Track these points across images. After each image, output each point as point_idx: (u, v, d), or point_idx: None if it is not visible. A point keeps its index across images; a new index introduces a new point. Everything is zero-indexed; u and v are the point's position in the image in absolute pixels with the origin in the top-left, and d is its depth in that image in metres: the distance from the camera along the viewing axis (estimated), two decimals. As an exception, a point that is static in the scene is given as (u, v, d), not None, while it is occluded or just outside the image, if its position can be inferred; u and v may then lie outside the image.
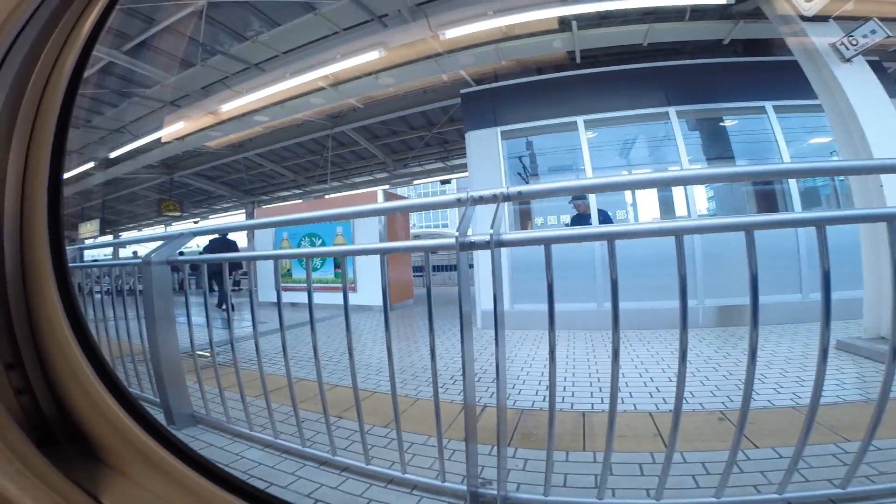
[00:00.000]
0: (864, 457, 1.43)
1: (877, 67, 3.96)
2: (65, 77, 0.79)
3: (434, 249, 1.84)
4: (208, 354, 2.55)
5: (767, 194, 5.86)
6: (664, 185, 5.55)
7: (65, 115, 0.80)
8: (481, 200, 1.69)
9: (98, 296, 3.18)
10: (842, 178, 5.43)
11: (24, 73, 0.76)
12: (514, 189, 1.68)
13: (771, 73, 5.69)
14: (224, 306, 5.90)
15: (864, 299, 3.64)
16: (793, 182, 5.48)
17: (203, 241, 7.57)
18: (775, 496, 1.51)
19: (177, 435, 0.87)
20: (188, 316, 2.55)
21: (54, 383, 0.80)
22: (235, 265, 8.66)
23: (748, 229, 1.40)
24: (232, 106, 7.37)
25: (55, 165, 0.80)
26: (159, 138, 8.77)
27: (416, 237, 14.74)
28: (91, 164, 10.50)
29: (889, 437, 1.84)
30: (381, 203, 8.17)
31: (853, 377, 2.98)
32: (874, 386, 1.89)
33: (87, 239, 15.10)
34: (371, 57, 5.85)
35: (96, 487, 0.72)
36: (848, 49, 3.63)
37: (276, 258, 2.32)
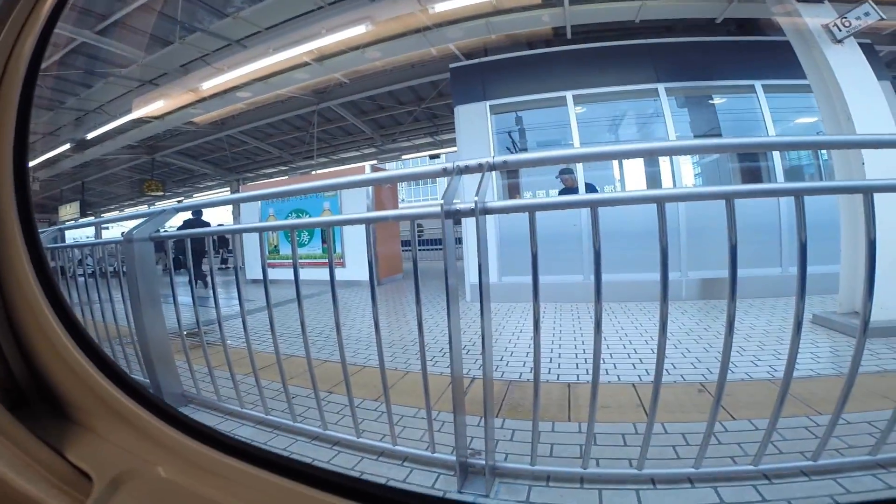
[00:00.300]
0: (835, 430, 1.48)
1: (868, 50, 3.97)
2: (24, 62, 0.78)
3: (419, 217, 1.84)
4: (194, 333, 2.54)
5: (752, 171, 5.92)
6: (649, 155, 5.52)
7: (25, 102, 0.80)
8: (467, 170, 1.69)
9: (80, 279, 3.12)
10: (826, 157, 5.50)
11: None
12: (500, 158, 1.68)
13: (762, 52, 5.70)
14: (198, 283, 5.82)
15: (840, 274, 3.73)
16: (777, 159, 5.55)
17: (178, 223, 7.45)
18: (751, 468, 1.56)
19: (148, 389, 0.89)
20: (174, 295, 2.53)
21: (25, 346, 0.82)
22: (222, 242, 8.48)
23: (728, 198, 1.41)
24: (213, 83, 7.19)
25: (19, 147, 0.80)
26: (138, 118, 8.57)
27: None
28: (67, 146, 10.21)
29: (858, 412, 1.92)
30: (366, 174, 8.07)
31: (827, 351, 3.06)
32: (847, 360, 1.96)
33: (67, 221, 14.81)
34: (358, 31, 5.71)
35: (62, 444, 0.74)
36: (840, 31, 3.63)
37: (260, 230, 2.28)
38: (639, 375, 2.75)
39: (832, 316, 3.62)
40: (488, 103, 6.25)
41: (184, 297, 2.62)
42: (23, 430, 0.70)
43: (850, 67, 3.64)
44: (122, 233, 2.54)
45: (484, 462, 1.64)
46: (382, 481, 1.72)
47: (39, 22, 0.77)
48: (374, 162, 13.36)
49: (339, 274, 1.99)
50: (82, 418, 0.82)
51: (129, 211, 17.49)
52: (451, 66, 6.69)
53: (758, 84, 5.64)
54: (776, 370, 2.68)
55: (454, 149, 8.25)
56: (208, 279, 2.43)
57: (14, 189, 0.79)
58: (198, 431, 0.79)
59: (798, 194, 1.40)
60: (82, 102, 8.32)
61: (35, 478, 0.66)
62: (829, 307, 3.80)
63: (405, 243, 10.42)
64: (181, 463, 0.74)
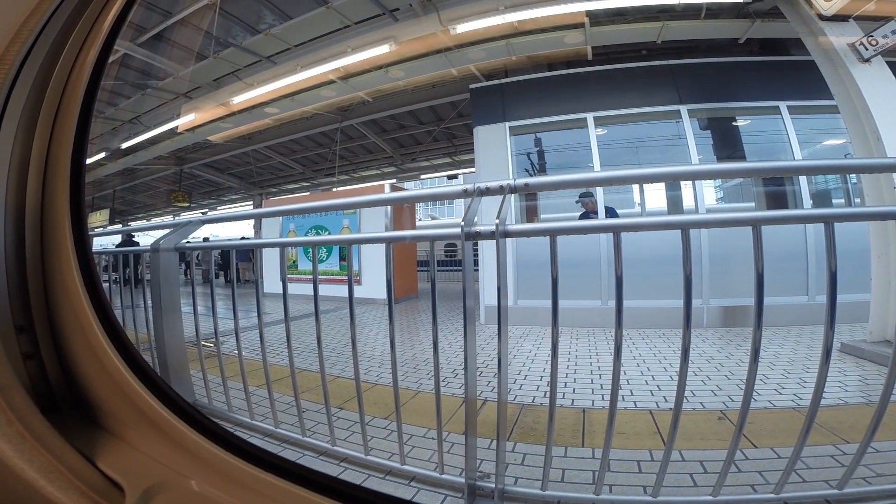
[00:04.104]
0: (863, 458, 1.42)
1: (897, 68, 3.92)
2: (87, 71, 0.81)
3: (439, 238, 1.83)
4: (212, 344, 2.57)
5: (778, 196, 5.79)
6: (673, 179, 5.46)
7: (87, 106, 0.83)
8: (488, 192, 1.68)
9: (105, 285, 3.19)
10: (855, 180, 5.36)
11: (48, 66, 0.79)
12: (521, 181, 1.66)
13: (786, 72, 5.62)
14: None
15: (871, 302, 3.61)
16: (804, 184, 5.42)
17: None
18: (772, 496, 1.50)
19: (185, 399, 0.86)
20: (194, 305, 2.57)
21: (63, 349, 0.81)
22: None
23: (755, 224, 1.37)
24: (243, 98, 7.43)
25: (77, 152, 0.82)
26: (171, 129, 8.86)
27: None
28: (102, 155, 10.62)
29: (888, 440, 1.84)
30: (386, 193, 8.15)
31: (856, 380, 2.96)
32: (876, 389, 1.88)
33: (95, 228, 15.28)
34: (381, 50, 5.86)
35: (93, 452, 0.72)
36: (867, 49, 3.58)
37: (282, 245, 2.32)
38: (656, 402, 2.68)
39: (861, 344, 3.49)
40: (508, 124, 6.29)
41: (200, 306, 2.67)
42: (56, 436, 0.68)
43: (879, 87, 3.58)
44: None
45: (493, 485, 1.61)
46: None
47: (102, 34, 0.81)
48: (394, 181, 13.51)
49: (356, 291, 2.00)
50: (114, 426, 0.81)
51: (155, 220, 17.99)
52: (472, 86, 6.77)
53: (783, 105, 5.54)
54: (801, 398, 2.60)
55: (472, 169, 8.32)
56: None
57: (69, 194, 0.81)
58: (234, 445, 0.77)
59: (827, 221, 1.35)
60: (119, 113, 8.63)
61: (66, 486, 0.64)
62: (858, 336, 3.68)
63: (421, 263, 10.47)
64: (215, 477, 0.72)
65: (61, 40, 0.79)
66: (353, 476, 1.87)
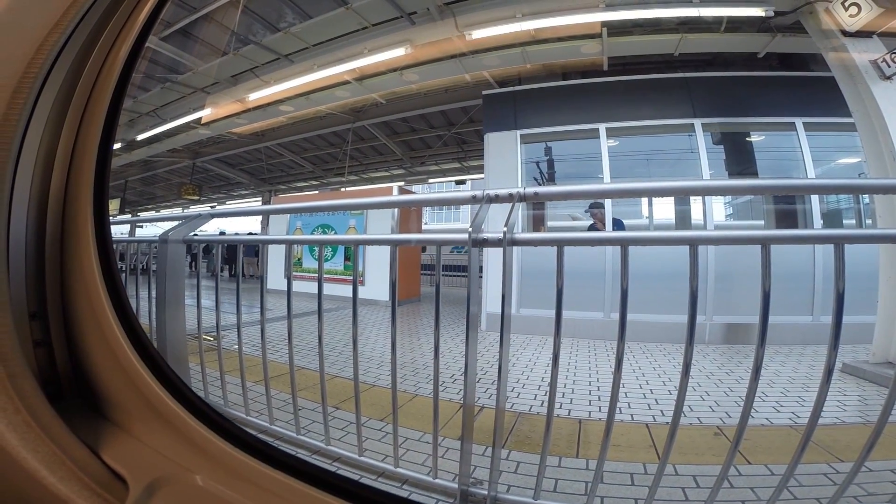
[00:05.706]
0: (856, 477, 1.40)
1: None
2: (118, 66, 0.82)
3: (446, 243, 1.83)
4: (212, 338, 2.59)
5: (788, 214, 5.73)
6: (683, 194, 5.43)
7: (116, 101, 0.84)
8: (497, 199, 1.67)
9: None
10: (867, 201, 5.29)
11: (81, 59, 0.80)
12: (531, 190, 1.65)
13: (804, 88, 5.55)
14: None
15: (876, 324, 3.57)
16: (815, 202, 5.36)
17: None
18: (761, 512, 1.49)
19: (194, 392, 0.87)
20: (198, 298, 2.58)
21: (74, 337, 0.81)
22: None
23: (765, 243, 1.36)
24: (259, 95, 7.49)
25: (104, 146, 0.83)
26: (186, 123, 8.95)
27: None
28: (118, 145, 10.75)
29: (883, 459, 1.83)
30: (394, 196, 8.20)
31: (855, 400, 2.95)
32: (875, 409, 1.86)
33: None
34: (397, 53, 5.90)
35: (97, 443, 0.72)
36: (889, 66, 3.54)
37: (288, 243, 2.34)
38: (653, 416, 2.67)
39: (863, 365, 3.46)
40: (519, 132, 6.28)
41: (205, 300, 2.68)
42: (61, 426, 0.67)
43: (899, 104, 3.53)
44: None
45: (486, 492, 1.60)
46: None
47: (135, 30, 0.83)
48: (402, 183, 13.54)
49: (359, 292, 2.01)
50: (119, 417, 0.80)
51: (164, 212, 18.14)
52: (485, 92, 6.77)
53: (798, 122, 5.47)
54: (799, 417, 2.59)
55: (481, 175, 8.33)
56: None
57: (93, 186, 0.82)
58: (241, 440, 0.76)
59: (838, 242, 1.33)
60: (138, 105, 8.72)
61: (68, 477, 0.63)
62: (859, 357, 3.66)
63: (424, 267, 10.49)
64: (221, 472, 0.71)
65: (95, 34, 0.80)
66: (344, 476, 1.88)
